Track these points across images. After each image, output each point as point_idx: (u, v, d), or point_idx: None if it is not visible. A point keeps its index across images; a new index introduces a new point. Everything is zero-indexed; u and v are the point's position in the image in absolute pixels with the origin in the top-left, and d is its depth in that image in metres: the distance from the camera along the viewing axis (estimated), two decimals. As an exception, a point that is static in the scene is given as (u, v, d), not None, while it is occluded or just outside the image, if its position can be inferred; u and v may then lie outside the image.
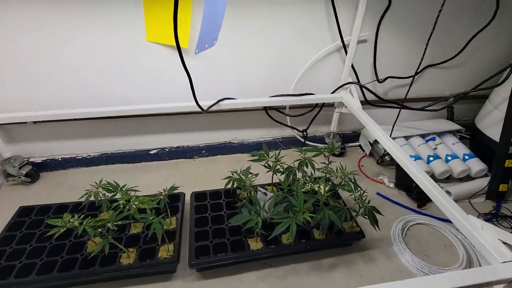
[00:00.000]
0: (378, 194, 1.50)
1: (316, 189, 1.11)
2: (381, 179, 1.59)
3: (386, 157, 1.65)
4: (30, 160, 1.49)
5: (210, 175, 1.60)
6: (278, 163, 1.26)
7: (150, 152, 1.66)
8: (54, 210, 1.23)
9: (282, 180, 1.20)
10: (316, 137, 1.83)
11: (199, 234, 1.15)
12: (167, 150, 1.67)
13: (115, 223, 0.98)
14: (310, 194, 1.13)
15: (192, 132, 1.65)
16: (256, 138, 1.77)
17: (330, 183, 1.16)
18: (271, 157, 1.26)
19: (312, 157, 1.31)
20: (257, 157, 1.25)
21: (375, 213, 1.10)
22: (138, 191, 1.11)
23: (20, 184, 1.43)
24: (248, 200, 1.20)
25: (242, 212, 1.07)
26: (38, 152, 1.51)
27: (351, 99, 1.55)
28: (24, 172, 1.45)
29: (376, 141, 1.68)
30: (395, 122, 1.48)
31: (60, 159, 1.55)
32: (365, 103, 1.60)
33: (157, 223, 0.97)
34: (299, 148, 1.29)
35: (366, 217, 1.10)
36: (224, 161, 1.70)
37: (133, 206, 1.02)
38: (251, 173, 1.25)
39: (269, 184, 1.36)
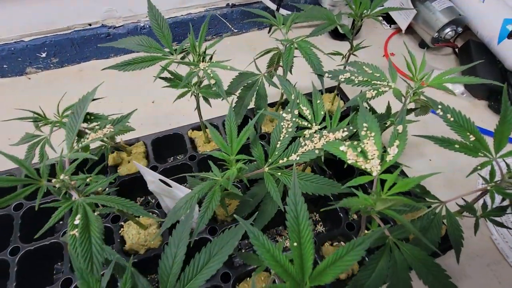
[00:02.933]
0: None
1: (351, 159, 0.29)
2: (436, 79, 0.78)
3: (449, 30, 0.79)
4: None
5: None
6: (200, 64, 0.37)
7: None
8: None
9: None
10: (299, -1, 0.87)
11: None
12: None
13: None
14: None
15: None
16: (165, 10, 0.77)
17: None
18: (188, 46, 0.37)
19: (306, 38, 0.43)
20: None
21: None
22: None
23: None
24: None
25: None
26: None
27: None
28: None
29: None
30: None
31: None
32: None
33: None
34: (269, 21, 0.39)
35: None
36: (101, 75, 0.75)
37: None
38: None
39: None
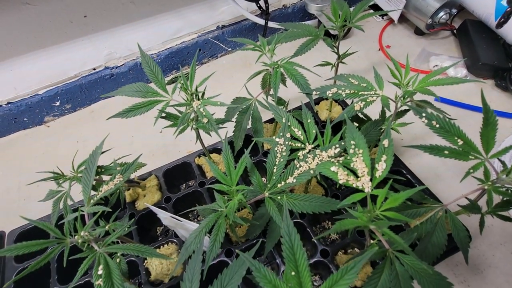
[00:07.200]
0: (443, 100, 0.71)
1: (342, 179, 0.30)
2: (436, 66, 0.77)
3: (442, 13, 0.77)
4: None
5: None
6: (193, 103, 0.40)
7: None
8: None
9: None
10: (286, 9, 0.88)
11: None
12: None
13: None
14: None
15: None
16: (161, 43, 0.81)
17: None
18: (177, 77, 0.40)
19: (290, 59, 0.45)
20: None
21: None
22: None
23: None
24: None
25: None
26: None
27: None
28: None
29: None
30: None
31: None
32: None
33: None
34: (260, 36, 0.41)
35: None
36: (110, 113, 0.80)
37: None
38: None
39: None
